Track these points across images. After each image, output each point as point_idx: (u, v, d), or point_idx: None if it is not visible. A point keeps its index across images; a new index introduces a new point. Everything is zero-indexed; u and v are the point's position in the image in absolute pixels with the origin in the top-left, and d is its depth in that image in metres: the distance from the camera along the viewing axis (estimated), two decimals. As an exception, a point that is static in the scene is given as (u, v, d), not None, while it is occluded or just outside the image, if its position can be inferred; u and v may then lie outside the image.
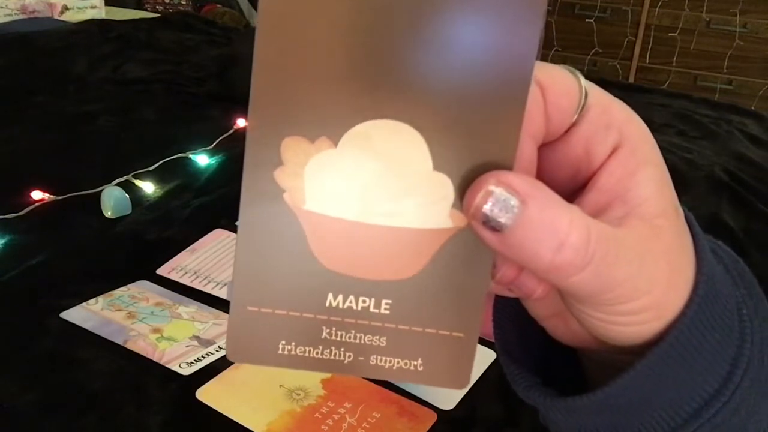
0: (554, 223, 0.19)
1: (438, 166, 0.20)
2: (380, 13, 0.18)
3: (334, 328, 0.21)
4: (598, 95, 0.21)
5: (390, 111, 0.19)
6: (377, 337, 0.21)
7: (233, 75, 1.27)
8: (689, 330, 0.21)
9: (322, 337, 0.21)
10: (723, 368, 0.22)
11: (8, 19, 1.72)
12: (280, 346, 0.21)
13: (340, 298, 0.21)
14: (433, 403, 0.57)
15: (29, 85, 1.30)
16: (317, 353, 0.21)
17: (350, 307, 0.21)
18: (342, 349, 0.21)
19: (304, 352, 0.21)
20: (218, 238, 0.82)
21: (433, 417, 0.56)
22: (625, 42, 2.52)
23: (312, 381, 0.58)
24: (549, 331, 0.25)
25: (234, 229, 0.83)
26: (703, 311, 0.21)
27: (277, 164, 0.19)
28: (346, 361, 0.21)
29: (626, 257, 0.20)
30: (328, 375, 0.59)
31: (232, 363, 0.60)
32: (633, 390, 0.21)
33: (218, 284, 0.73)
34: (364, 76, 0.19)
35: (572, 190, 0.22)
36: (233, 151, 1.05)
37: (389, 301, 0.21)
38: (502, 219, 0.19)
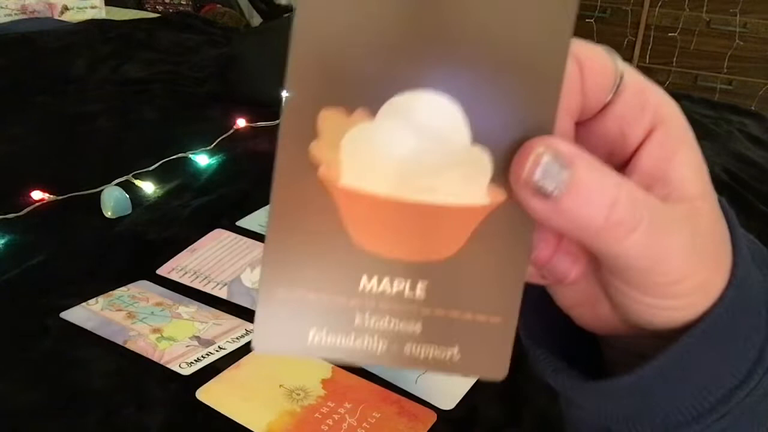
0: (603, 183, 0.19)
1: (476, 139, 0.19)
2: None
3: (367, 314, 0.20)
4: (634, 76, 0.21)
5: (428, 82, 0.19)
6: (412, 324, 0.20)
7: (233, 75, 1.26)
8: (726, 313, 0.21)
9: (355, 323, 0.20)
10: (752, 353, 0.22)
11: (8, 19, 1.72)
12: (311, 335, 0.20)
13: (375, 280, 0.20)
14: (433, 403, 0.57)
15: (29, 85, 1.30)
16: (349, 342, 0.20)
17: (384, 291, 0.20)
18: (375, 337, 0.20)
19: (335, 340, 0.20)
20: (218, 238, 0.82)
21: (433, 417, 0.56)
22: (625, 42, 2.52)
23: (312, 381, 0.58)
24: (575, 319, 0.25)
25: (234, 230, 0.83)
26: (739, 296, 0.21)
27: (312, 137, 0.19)
28: (378, 351, 0.20)
29: (676, 227, 0.20)
30: (328, 375, 0.59)
31: (232, 363, 0.61)
32: (665, 373, 0.21)
33: (218, 284, 0.73)
34: (402, 47, 0.19)
35: None
36: (233, 151, 1.05)
37: (425, 284, 0.20)
38: (552, 184, 0.19)
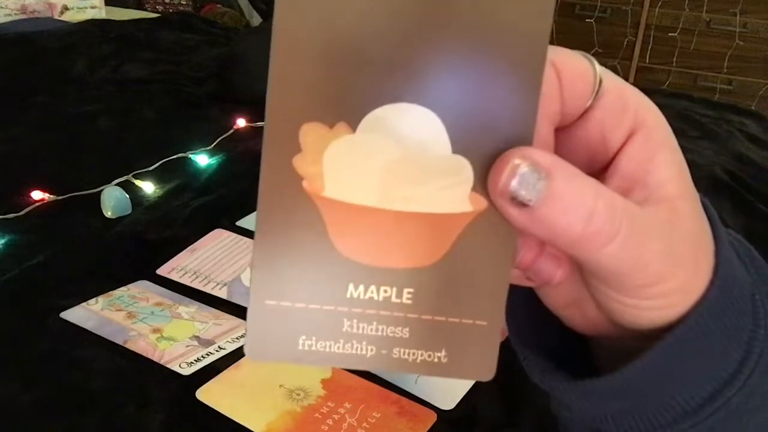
0: (581, 193, 0.19)
1: (457, 149, 0.20)
2: (396, 1, 0.19)
3: (355, 320, 0.21)
4: (613, 80, 0.22)
5: (408, 95, 0.19)
6: (400, 329, 0.21)
7: (233, 75, 1.26)
8: (709, 313, 0.21)
9: (344, 330, 0.21)
10: (738, 353, 0.22)
11: (8, 19, 1.72)
12: (301, 342, 0.21)
13: (361, 288, 0.20)
14: (433, 403, 0.57)
15: (29, 85, 1.30)
16: (339, 347, 0.21)
17: (371, 298, 0.20)
18: (364, 343, 0.21)
19: (325, 346, 0.21)
20: (218, 238, 0.82)
21: (433, 417, 0.56)
22: (625, 42, 2.52)
23: (312, 381, 0.58)
24: (564, 321, 0.25)
25: (234, 230, 0.83)
26: (723, 295, 0.21)
27: (295, 151, 0.19)
28: (368, 355, 0.21)
29: (654, 233, 0.20)
30: (328, 375, 0.59)
31: (232, 363, 0.61)
32: (651, 372, 0.21)
33: (218, 284, 0.73)
34: (380, 61, 0.19)
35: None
36: (233, 151, 1.05)
37: (411, 290, 0.21)
38: (530, 193, 0.19)
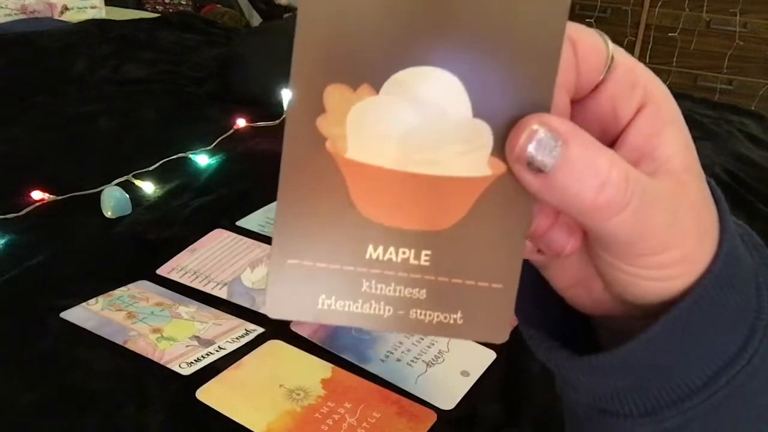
0: (595, 162, 0.19)
1: (477, 113, 0.20)
2: None
3: (374, 281, 0.21)
4: (624, 56, 0.22)
5: (430, 58, 0.19)
6: (417, 290, 0.21)
7: (233, 75, 1.26)
8: (713, 286, 0.21)
9: (362, 290, 0.21)
10: (742, 332, 0.22)
11: (8, 19, 1.72)
12: (320, 300, 0.21)
13: (381, 249, 0.21)
14: (433, 403, 0.57)
15: (29, 85, 1.30)
16: (357, 307, 0.21)
17: (390, 259, 0.21)
18: (382, 303, 0.21)
19: (344, 306, 0.21)
20: (218, 238, 0.82)
21: (433, 417, 0.56)
22: (625, 42, 2.52)
23: (312, 381, 0.58)
24: (569, 301, 0.25)
25: (234, 230, 0.83)
26: (727, 270, 0.22)
27: (319, 112, 0.20)
28: (386, 316, 0.21)
29: (661, 205, 0.21)
30: (328, 375, 0.59)
31: (232, 363, 0.61)
32: (655, 347, 0.22)
33: (218, 284, 0.73)
34: (404, 24, 0.19)
35: None
36: (233, 151, 1.05)
37: (429, 252, 0.21)
38: (546, 159, 0.19)
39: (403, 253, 0.21)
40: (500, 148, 0.20)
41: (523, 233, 0.21)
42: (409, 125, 0.20)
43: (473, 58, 0.19)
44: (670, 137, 0.22)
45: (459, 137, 0.20)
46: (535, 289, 0.26)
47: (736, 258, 0.22)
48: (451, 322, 0.21)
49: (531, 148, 0.19)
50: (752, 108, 1.56)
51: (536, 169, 0.19)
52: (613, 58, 0.22)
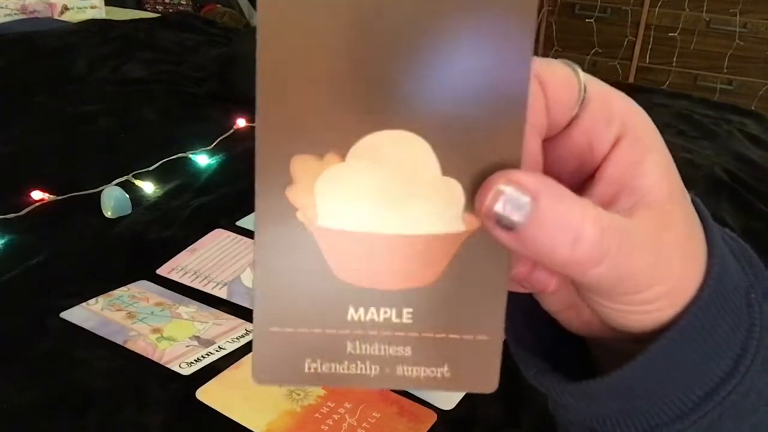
0: (567, 217, 0.19)
1: (447, 171, 0.20)
2: (376, 28, 0.19)
3: (358, 342, 0.21)
4: (598, 87, 0.22)
5: (394, 121, 0.19)
6: (402, 347, 0.21)
7: (233, 75, 1.26)
8: (702, 313, 0.21)
9: (347, 351, 0.21)
10: (733, 351, 0.22)
11: (8, 19, 1.72)
12: (306, 365, 0.21)
13: (362, 310, 0.21)
14: (433, 403, 0.57)
15: (29, 85, 1.30)
16: (344, 368, 0.21)
17: (372, 319, 0.21)
18: (368, 362, 0.21)
19: (331, 368, 0.21)
20: (218, 238, 0.82)
21: (433, 417, 0.56)
22: (625, 42, 2.52)
23: (312, 381, 0.58)
24: (561, 323, 0.25)
25: (234, 230, 0.83)
26: (716, 295, 0.21)
27: (287, 183, 0.20)
28: (372, 375, 0.21)
29: (641, 247, 0.20)
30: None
31: (232, 363, 0.61)
32: (646, 373, 0.22)
33: (218, 284, 0.73)
34: (365, 90, 0.19)
35: (578, 184, 0.22)
36: (233, 151, 1.05)
37: (410, 310, 0.21)
38: (515, 217, 0.19)
39: (385, 312, 0.21)
40: (473, 204, 0.20)
41: (504, 283, 0.21)
42: (379, 187, 0.20)
43: (438, 118, 0.19)
44: (649, 166, 0.21)
45: (430, 196, 0.20)
46: (525, 308, 0.26)
47: (725, 281, 0.22)
48: (439, 376, 0.21)
49: (498, 208, 0.19)
50: (752, 108, 1.56)
51: (506, 227, 0.19)
52: (585, 89, 0.21)
